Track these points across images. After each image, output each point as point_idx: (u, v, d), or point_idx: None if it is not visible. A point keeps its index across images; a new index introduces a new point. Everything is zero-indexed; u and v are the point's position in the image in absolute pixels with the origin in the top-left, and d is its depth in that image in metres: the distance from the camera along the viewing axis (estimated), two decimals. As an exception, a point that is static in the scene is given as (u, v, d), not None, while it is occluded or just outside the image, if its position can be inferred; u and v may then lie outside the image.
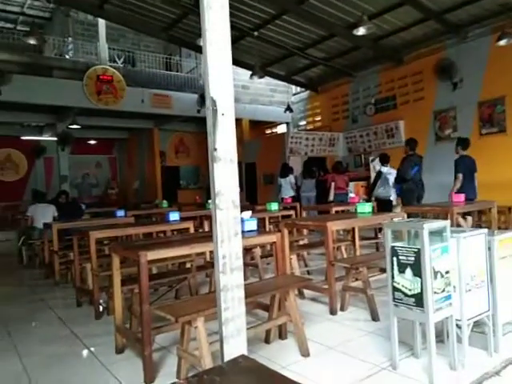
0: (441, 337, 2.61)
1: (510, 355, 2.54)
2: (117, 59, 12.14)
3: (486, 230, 2.66)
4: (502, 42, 6.96)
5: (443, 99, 9.06)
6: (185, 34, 9.89)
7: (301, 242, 5.69)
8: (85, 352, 3.14)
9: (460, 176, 5.73)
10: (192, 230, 4.62)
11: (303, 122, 13.10)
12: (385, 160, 7.36)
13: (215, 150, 1.96)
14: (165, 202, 8.97)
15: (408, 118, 9.80)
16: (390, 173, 7.08)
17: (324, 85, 12.03)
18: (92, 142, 15.85)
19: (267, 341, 3.00)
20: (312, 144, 10.95)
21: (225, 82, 2.00)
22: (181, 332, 2.51)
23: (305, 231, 6.03)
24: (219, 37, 1.99)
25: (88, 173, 15.78)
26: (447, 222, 2.45)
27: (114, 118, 12.48)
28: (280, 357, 2.75)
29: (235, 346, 1.96)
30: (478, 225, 5.64)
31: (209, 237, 2.66)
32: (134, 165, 15.66)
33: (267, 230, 5.92)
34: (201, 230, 5.98)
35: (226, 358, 1.90)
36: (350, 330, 3.19)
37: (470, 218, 5.02)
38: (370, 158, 9.76)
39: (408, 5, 7.76)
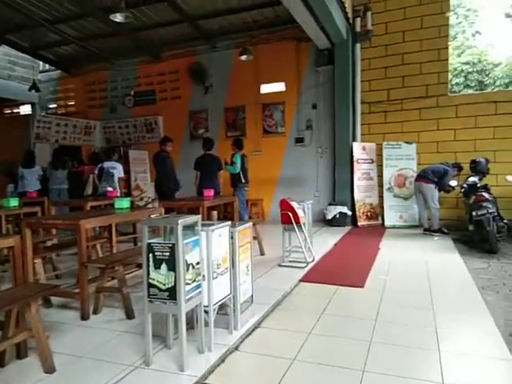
0: (191, 324, 2.80)
1: (246, 329, 2.97)
2: None
3: (229, 223, 3.02)
4: (243, 57, 8.08)
5: (197, 101, 9.84)
6: None
7: (49, 243, 5.04)
8: None
9: (197, 173, 6.91)
10: None
11: (53, 105, 11.65)
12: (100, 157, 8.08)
13: None
14: None
15: (166, 114, 10.16)
16: (114, 167, 7.25)
17: (79, 67, 11.04)
18: None
19: (1, 364, 2.50)
20: (64, 131, 9.87)
21: None
22: None
23: (54, 230, 5.36)
24: None
25: None
26: (199, 217, 2.63)
27: None
28: (18, 380, 2.34)
29: None
30: (224, 216, 6.37)
31: None
32: None
33: (3, 231, 4.96)
34: None
35: None
36: (104, 332, 3.03)
37: (215, 213, 5.55)
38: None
39: (166, 2, 8.00)
